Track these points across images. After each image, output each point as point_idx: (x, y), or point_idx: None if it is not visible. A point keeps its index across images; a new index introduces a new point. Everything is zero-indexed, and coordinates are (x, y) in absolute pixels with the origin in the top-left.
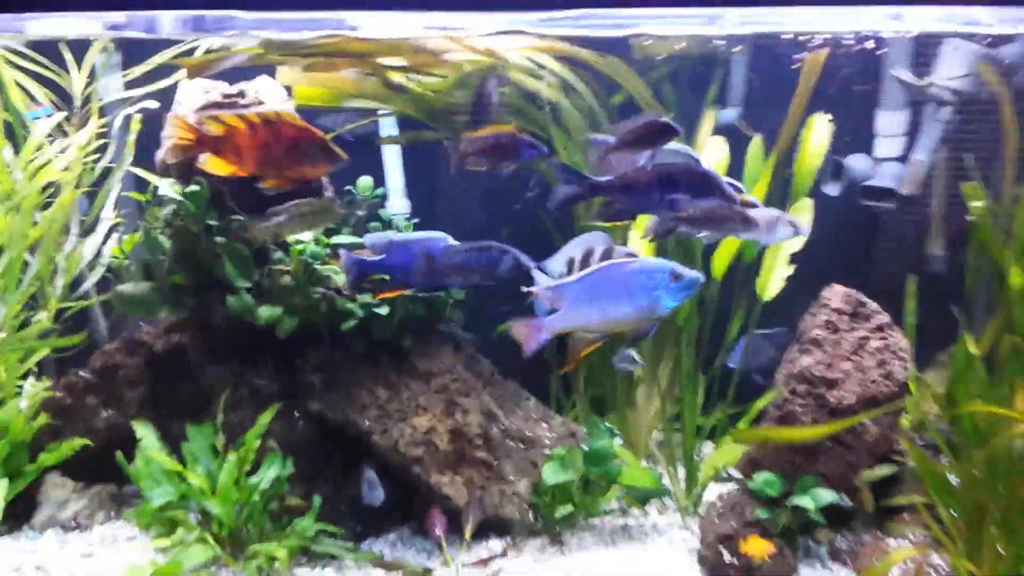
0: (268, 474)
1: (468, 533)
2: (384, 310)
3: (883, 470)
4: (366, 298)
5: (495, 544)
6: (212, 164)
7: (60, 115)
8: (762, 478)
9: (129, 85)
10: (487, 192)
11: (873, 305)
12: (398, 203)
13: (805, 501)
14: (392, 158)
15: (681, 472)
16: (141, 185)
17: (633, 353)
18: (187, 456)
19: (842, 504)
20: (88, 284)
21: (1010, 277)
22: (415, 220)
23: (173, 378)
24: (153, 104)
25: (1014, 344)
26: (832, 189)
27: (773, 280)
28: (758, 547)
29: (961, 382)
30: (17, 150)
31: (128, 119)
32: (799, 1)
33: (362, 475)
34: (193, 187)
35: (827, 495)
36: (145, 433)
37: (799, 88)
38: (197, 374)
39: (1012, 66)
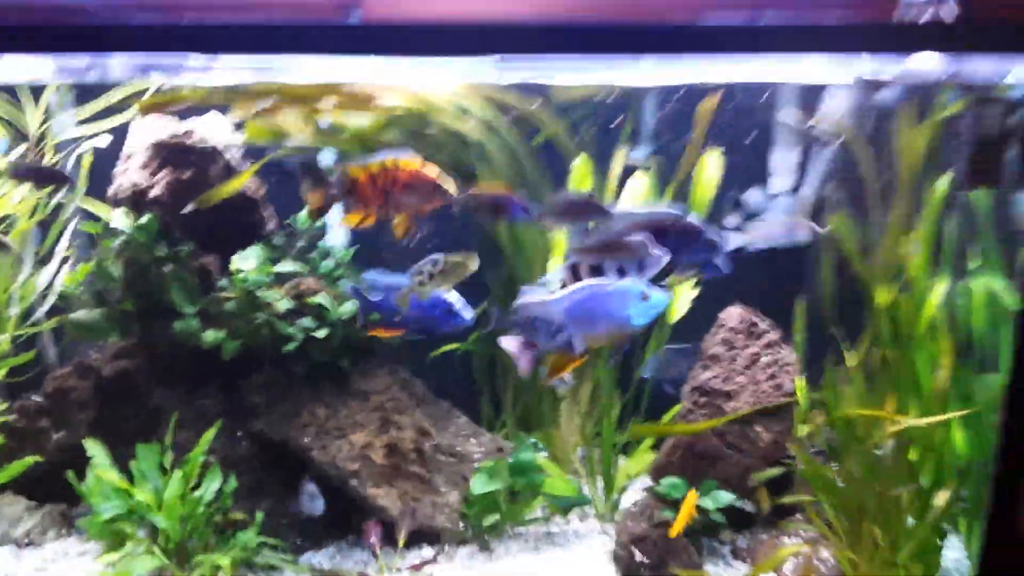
0: (210, 487)
1: (402, 542)
2: (322, 333)
3: (773, 472)
4: (305, 322)
5: (427, 552)
6: (348, 220)
7: (18, 150)
8: (668, 482)
9: (81, 123)
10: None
11: (765, 324)
12: (337, 234)
13: (707, 502)
14: None
15: (600, 482)
16: (89, 218)
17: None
18: (135, 474)
19: (741, 506)
20: (40, 312)
21: (876, 297)
22: (355, 247)
23: (121, 401)
24: (104, 141)
25: (882, 356)
26: (731, 221)
27: (679, 302)
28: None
29: (832, 390)
30: None
31: (80, 156)
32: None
33: (303, 488)
34: (143, 220)
35: (726, 496)
36: (96, 452)
37: (696, 128)
38: (145, 396)
39: (886, 110)
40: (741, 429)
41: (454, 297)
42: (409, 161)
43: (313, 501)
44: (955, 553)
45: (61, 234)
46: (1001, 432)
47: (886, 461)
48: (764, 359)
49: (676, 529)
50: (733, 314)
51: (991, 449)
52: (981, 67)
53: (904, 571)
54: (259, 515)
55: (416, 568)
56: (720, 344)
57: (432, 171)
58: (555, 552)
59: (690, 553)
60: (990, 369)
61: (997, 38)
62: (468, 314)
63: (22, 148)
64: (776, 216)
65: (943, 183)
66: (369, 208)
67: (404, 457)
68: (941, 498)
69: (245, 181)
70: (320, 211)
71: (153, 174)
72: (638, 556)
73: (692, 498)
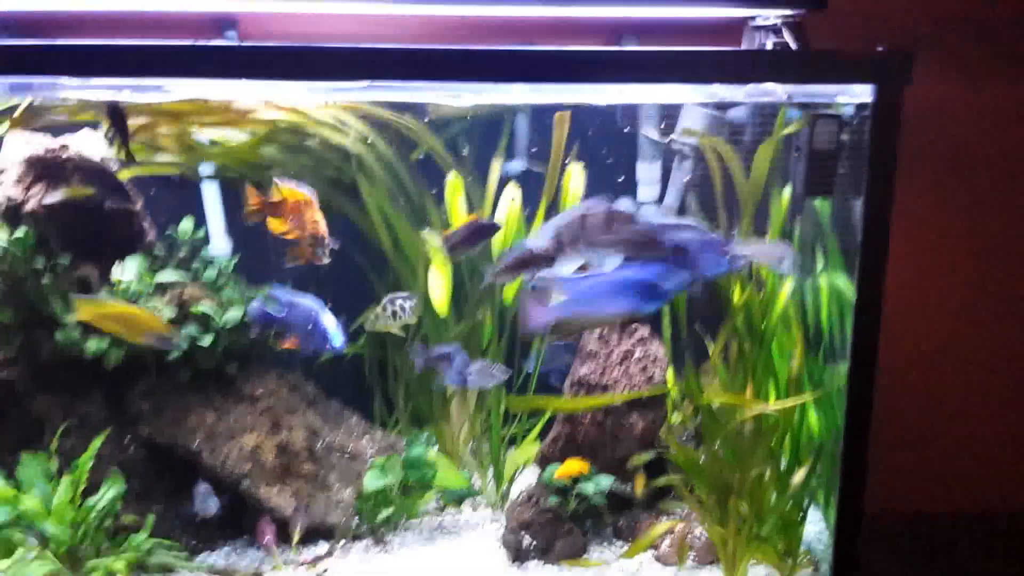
0: (108, 495)
1: (296, 538)
2: (207, 341)
3: (647, 455)
4: (190, 330)
5: (322, 548)
6: (273, 225)
7: None
8: (551, 469)
9: None
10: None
11: (636, 323)
12: (218, 243)
13: (588, 487)
14: (212, 200)
15: (490, 474)
16: None
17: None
18: (22, 482)
19: (619, 490)
20: None
21: (732, 294)
22: (236, 257)
23: (2, 411)
24: None
25: (739, 348)
26: None
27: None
28: (574, 467)
29: (696, 381)
30: None
31: None
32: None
33: (196, 490)
34: (18, 233)
35: (606, 480)
36: None
37: (554, 142)
38: (27, 406)
39: (737, 126)
40: (617, 419)
41: (330, 321)
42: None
43: (206, 501)
44: (817, 527)
45: None
46: (846, 414)
47: (747, 443)
48: (637, 353)
49: (561, 472)
50: None
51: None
52: (816, 89)
53: (769, 543)
54: (150, 517)
55: (311, 563)
56: (596, 341)
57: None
58: (449, 541)
59: (575, 535)
60: (840, 359)
61: (828, 66)
62: (339, 342)
63: None
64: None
65: (786, 192)
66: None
67: (296, 457)
68: (798, 475)
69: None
70: (254, 215)
71: (27, 188)
72: (526, 540)
73: (576, 464)
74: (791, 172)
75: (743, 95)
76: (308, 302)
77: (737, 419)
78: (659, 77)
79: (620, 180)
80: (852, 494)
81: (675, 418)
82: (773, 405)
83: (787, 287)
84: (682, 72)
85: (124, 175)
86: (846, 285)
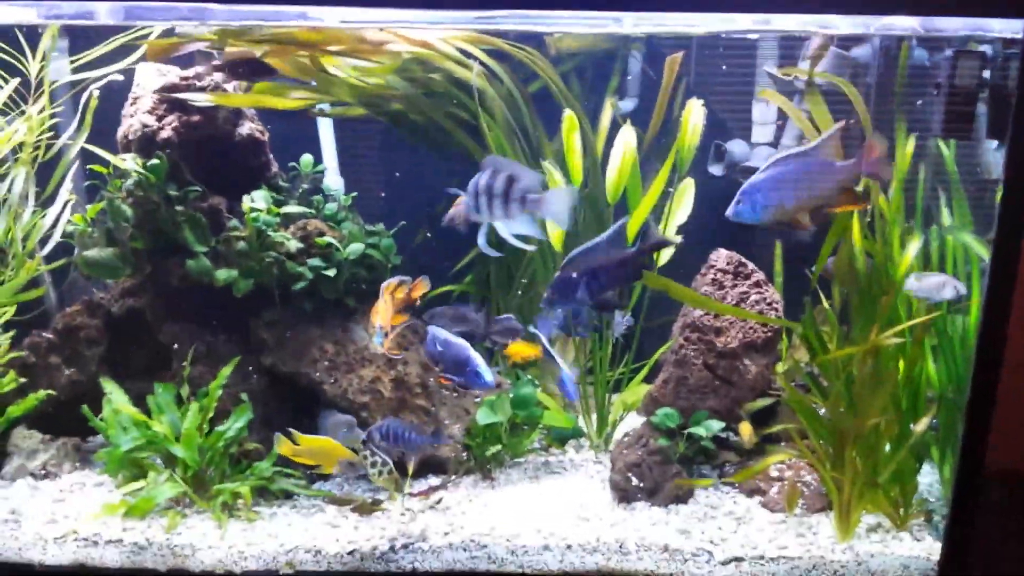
0: (236, 423)
1: (411, 470)
2: (331, 272)
3: (762, 402)
4: (315, 262)
5: (434, 481)
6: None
7: (9, 88)
8: (663, 412)
9: (78, 70)
10: (417, 174)
11: (751, 266)
12: (333, 179)
13: (699, 431)
14: (327, 137)
15: (593, 417)
16: (89, 160)
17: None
18: (152, 407)
19: (728, 437)
20: (43, 253)
21: (855, 240)
22: (353, 194)
23: (130, 338)
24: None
25: (860, 297)
26: (716, 169)
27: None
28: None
29: (813, 328)
30: None
31: (84, 99)
32: (685, 6)
33: (326, 421)
34: (154, 161)
35: (716, 425)
36: (112, 388)
37: (664, 81)
38: (155, 333)
39: (861, 64)
40: (730, 363)
41: (479, 361)
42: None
43: (352, 431)
44: (927, 478)
45: (64, 176)
46: (974, 366)
47: (866, 391)
48: (752, 297)
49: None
50: (722, 255)
51: (962, 381)
52: (954, 23)
53: (884, 493)
54: (276, 447)
55: (425, 494)
56: (710, 284)
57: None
58: (554, 480)
59: (683, 478)
60: (963, 310)
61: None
62: (490, 379)
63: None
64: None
65: (914, 135)
66: None
67: (410, 391)
68: (920, 424)
69: (251, 124)
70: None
71: (161, 118)
72: (634, 481)
73: (526, 348)
74: (923, 114)
75: (874, 28)
76: (461, 343)
77: (855, 366)
78: (787, 6)
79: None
80: (974, 448)
81: (787, 364)
82: (891, 339)
83: (914, 245)
84: (812, 1)
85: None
86: (974, 241)
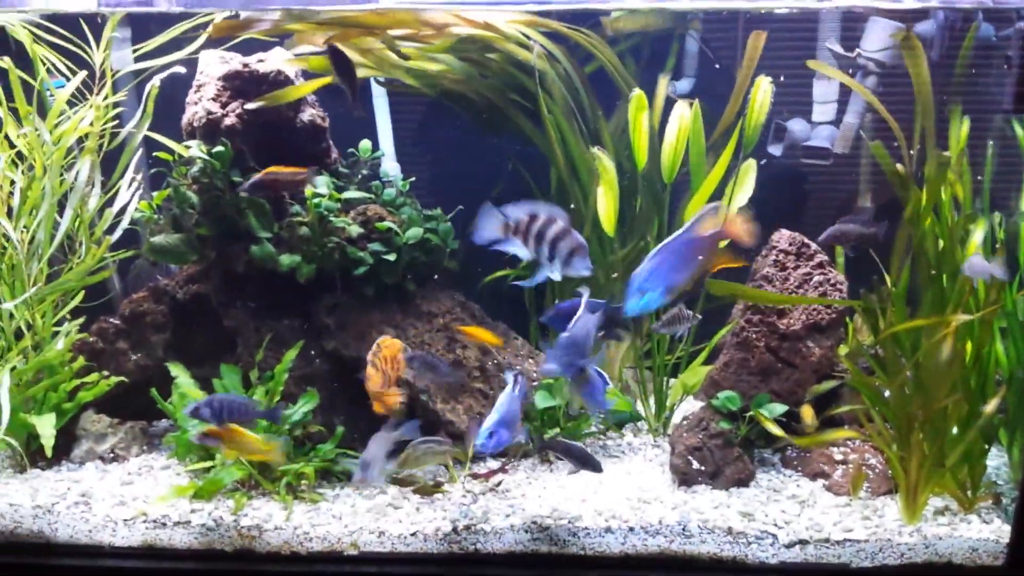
0: (303, 407)
1: (470, 453)
2: (391, 257)
3: (827, 385)
4: (376, 247)
5: (493, 464)
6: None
7: (76, 80)
8: (724, 395)
9: (141, 58)
10: (473, 155)
11: (814, 246)
12: (389, 165)
13: (763, 413)
14: (384, 123)
15: (651, 400)
16: (152, 147)
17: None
18: (218, 389)
19: (791, 420)
20: (110, 240)
21: (922, 221)
22: (411, 179)
23: (194, 322)
24: (158, 78)
25: (928, 276)
26: (776, 149)
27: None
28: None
29: (879, 309)
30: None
31: (145, 88)
32: None
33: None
34: (219, 147)
35: (779, 408)
36: (179, 372)
37: (745, 62)
38: (221, 317)
39: (925, 40)
40: (793, 345)
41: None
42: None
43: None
44: (995, 461)
45: (128, 164)
46: None
47: (933, 373)
48: (816, 278)
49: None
50: (784, 237)
51: None
52: None
53: (951, 475)
54: (339, 429)
55: (486, 477)
56: (772, 265)
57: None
58: (613, 464)
59: (744, 462)
60: None
61: None
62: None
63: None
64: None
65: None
66: None
67: (468, 374)
68: (990, 405)
69: (312, 111)
70: None
71: (225, 104)
72: (695, 464)
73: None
74: (988, 89)
75: (938, 1)
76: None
77: (923, 351)
78: None
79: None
80: None
81: (852, 345)
82: (961, 317)
83: (980, 229)
84: None
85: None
86: None
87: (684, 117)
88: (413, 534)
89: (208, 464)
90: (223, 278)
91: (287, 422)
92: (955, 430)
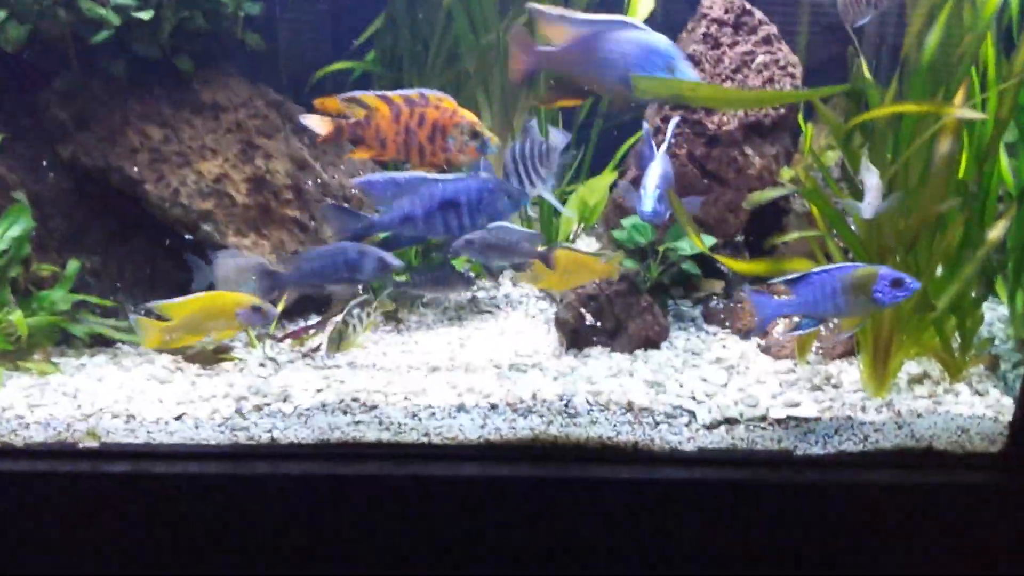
0: (8, 232)
1: (281, 307)
2: (147, 15)
3: (773, 192)
4: (121, 0)
5: (311, 321)
6: (357, 154)
7: None
8: (629, 223)
9: None
10: None
11: (759, 15)
12: None
13: (683, 245)
14: None
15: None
16: None
17: None
18: None
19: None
20: None
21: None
22: None
23: None
24: None
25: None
26: None
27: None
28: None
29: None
30: None
31: None
32: None
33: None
34: None
35: (707, 239)
36: None
37: None
38: None
39: None
40: (725, 152)
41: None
42: (443, 98)
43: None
44: (989, 314)
45: None
46: None
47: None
48: (759, 58)
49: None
50: (717, 3)
51: None
52: None
53: (934, 329)
54: (72, 266)
55: (294, 337)
56: (700, 42)
57: (469, 116)
58: (482, 322)
59: (655, 315)
60: None
61: None
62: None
63: None
64: None
65: None
66: (385, 148)
67: (276, 196)
68: (997, 229)
69: None
70: (327, 140)
71: None
72: (589, 319)
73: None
74: None
75: None
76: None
77: (912, 150)
78: None
79: None
80: None
81: (807, 157)
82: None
83: None
84: None
85: None
86: None
87: None
88: (178, 418)
89: None
90: None
91: None
92: (940, 270)
